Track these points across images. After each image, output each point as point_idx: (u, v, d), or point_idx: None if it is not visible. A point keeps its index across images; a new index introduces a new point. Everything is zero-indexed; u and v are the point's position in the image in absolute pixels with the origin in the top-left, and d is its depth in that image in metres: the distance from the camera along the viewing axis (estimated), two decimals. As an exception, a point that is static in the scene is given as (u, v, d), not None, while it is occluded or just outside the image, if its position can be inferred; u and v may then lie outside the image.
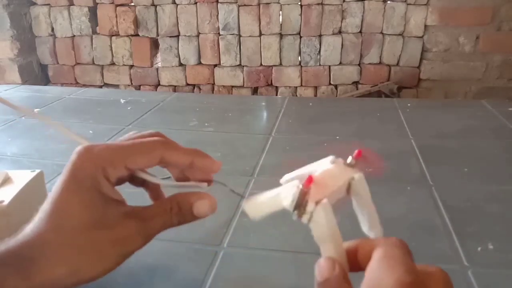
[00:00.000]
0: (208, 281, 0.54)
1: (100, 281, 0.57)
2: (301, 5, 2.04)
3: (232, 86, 2.22)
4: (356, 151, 0.30)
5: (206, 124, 1.11)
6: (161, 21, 2.15)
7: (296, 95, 2.19)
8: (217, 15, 2.11)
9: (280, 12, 2.07)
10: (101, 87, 2.27)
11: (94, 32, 2.21)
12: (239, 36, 2.13)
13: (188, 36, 2.16)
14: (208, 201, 0.33)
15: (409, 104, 1.24)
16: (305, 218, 0.28)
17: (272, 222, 0.65)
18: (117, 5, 2.15)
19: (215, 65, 2.19)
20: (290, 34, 2.09)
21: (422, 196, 0.74)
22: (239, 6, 2.07)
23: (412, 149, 0.93)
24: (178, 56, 2.19)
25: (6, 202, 0.55)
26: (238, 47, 2.14)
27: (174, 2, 2.13)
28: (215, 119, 1.14)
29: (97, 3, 2.17)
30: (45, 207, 0.30)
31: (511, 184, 0.78)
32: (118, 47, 2.21)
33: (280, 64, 2.15)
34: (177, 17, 2.14)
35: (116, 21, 2.18)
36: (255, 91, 2.23)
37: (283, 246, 0.61)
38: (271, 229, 0.64)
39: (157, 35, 2.18)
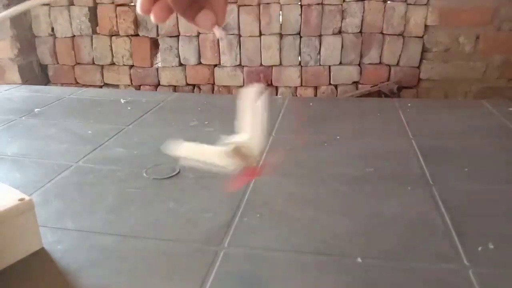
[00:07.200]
0: (208, 281, 0.54)
1: (101, 280, 0.57)
2: (301, 5, 2.04)
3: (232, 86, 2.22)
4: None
5: (206, 123, 1.11)
6: (161, 21, 2.14)
7: (296, 95, 2.19)
8: (217, 15, 2.10)
9: (280, 12, 2.06)
10: (101, 87, 2.27)
11: (94, 32, 2.21)
12: (239, 36, 2.12)
13: (188, 36, 2.16)
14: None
15: (409, 104, 1.24)
16: None
17: (272, 222, 0.65)
18: (117, 5, 2.15)
19: (215, 65, 2.19)
20: (290, 34, 2.09)
21: (422, 196, 0.74)
22: (239, 6, 2.07)
23: (412, 149, 0.93)
24: (178, 56, 2.19)
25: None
26: (238, 47, 2.14)
27: (174, 2, 2.12)
28: (215, 119, 1.14)
29: (97, 3, 2.17)
30: None
31: (511, 184, 0.78)
32: (118, 47, 2.21)
33: (280, 64, 2.14)
34: (177, 17, 2.14)
35: (116, 21, 2.18)
36: (255, 91, 2.22)
37: (284, 246, 0.61)
38: (271, 229, 0.64)
39: (157, 35, 2.18)
